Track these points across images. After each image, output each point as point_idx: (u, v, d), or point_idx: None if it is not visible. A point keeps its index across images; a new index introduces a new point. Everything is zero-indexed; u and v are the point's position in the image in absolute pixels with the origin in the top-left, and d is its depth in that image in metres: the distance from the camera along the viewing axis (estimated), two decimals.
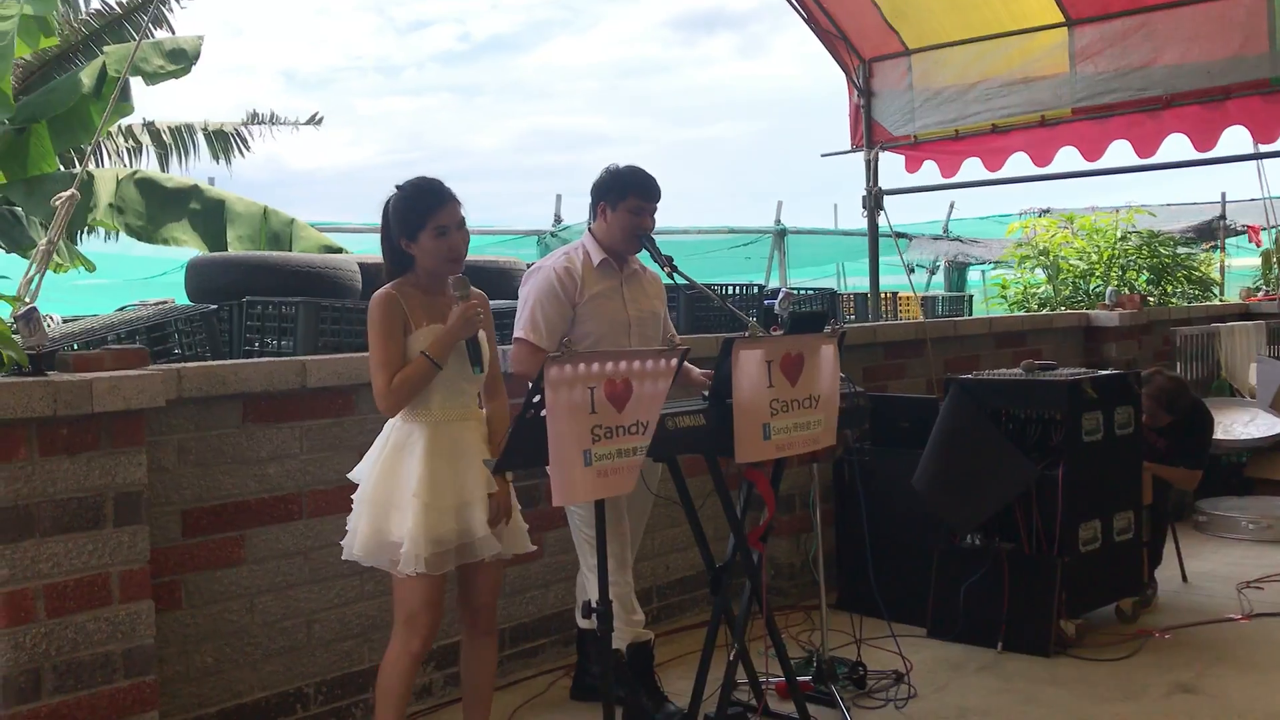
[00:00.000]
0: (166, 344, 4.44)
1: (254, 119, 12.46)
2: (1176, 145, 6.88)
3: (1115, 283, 10.75)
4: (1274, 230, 13.53)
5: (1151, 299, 10.53)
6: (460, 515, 3.25)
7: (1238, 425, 7.42)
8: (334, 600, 4.07)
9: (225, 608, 3.80)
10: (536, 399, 2.99)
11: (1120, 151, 7.05)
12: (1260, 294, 11.11)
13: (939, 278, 16.59)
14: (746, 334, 3.67)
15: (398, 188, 3.41)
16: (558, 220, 12.51)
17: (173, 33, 11.39)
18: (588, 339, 4.08)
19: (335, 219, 10.95)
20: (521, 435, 3.03)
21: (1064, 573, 4.77)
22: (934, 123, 7.56)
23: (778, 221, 14.63)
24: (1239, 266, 15.60)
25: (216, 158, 12.17)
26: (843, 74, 7.88)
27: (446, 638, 4.22)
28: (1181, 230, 13.69)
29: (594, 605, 3.31)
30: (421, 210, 3.32)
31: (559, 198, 12.64)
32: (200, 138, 12.09)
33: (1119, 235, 11.37)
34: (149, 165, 11.59)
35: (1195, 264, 12.39)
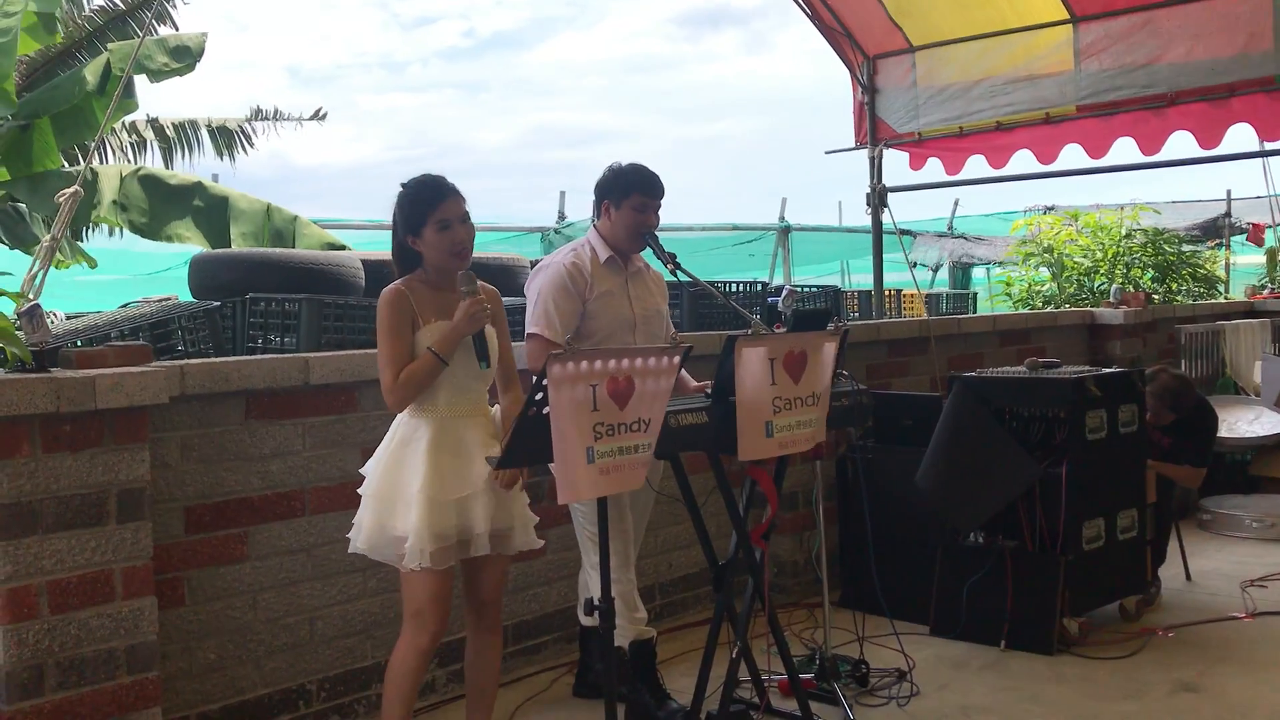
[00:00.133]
0: (170, 341, 4.44)
1: (258, 115, 12.45)
2: (1181, 143, 6.88)
3: (1120, 280, 10.73)
4: (1279, 228, 13.50)
5: (1156, 297, 10.51)
6: (462, 510, 3.26)
7: (1242, 423, 7.40)
8: (336, 597, 4.07)
9: (228, 604, 3.80)
10: (539, 396, 2.99)
11: (1125, 149, 7.05)
12: (1265, 292, 11.09)
13: (943, 275, 16.57)
14: (749, 332, 3.66)
15: (403, 185, 3.42)
16: (561, 217, 12.52)
17: (177, 30, 11.37)
18: (594, 336, 4.08)
19: (339, 216, 10.96)
20: (523, 433, 3.03)
21: (1067, 571, 4.77)
22: (938, 120, 7.56)
23: (782, 219, 14.62)
24: (1244, 264, 15.57)
25: (220, 154, 12.16)
26: (847, 71, 7.87)
27: (450, 634, 4.21)
28: (1186, 228, 13.67)
29: (596, 603, 3.31)
30: (424, 205, 3.34)
31: (563, 194, 12.65)
32: (204, 134, 12.08)
33: (1123, 233, 11.36)
34: (153, 162, 11.58)
35: (1200, 262, 12.38)
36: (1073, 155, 7.23)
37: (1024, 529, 4.86)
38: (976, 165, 7.65)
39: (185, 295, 5.53)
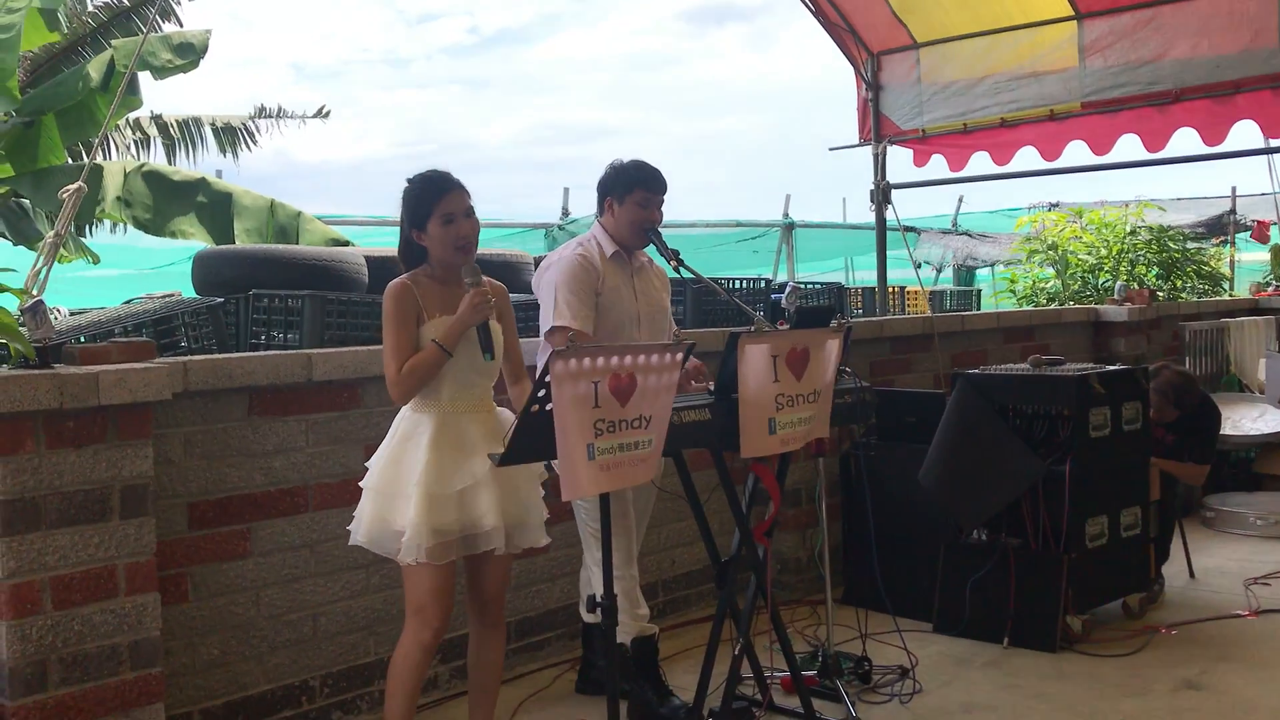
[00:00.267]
0: (173, 337, 4.45)
1: (261, 113, 12.47)
2: (1186, 139, 6.86)
3: (1124, 277, 10.73)
4: None
5: (1160, 294, 10.50)
6: (464, 506, 3.26)
7: (1246, 421, 7.39)
8: (339, 593, 4.08)
9: (231, 600, 3.81)
10: (541, 393, 2.99)
11: (1129, 145, 7.03)
12: (1270, 289, 11.08)
13: (947, 273, 16.56)
14: (753, 329, 3.66)
15: (408, 180, 3.43)
16: (565, 213, 12.53)
17: (181, 27, 11.39)
18: (600, 331, 4.08)
19: (343, 212, 10.97)
20: (526, 429, 3.03)
21: (1070, 568, 4.76)
22: (942, 116, 7.54)
23: (786, 215, 14.62)
24: (1249, 261, 15.55)
25: (224, 151, 12.18)
26: (851, 67, 7.86)
27: (452, 630, 4.21)
28: (1191, 225, 13.65)
29: (599, 599, 3.32)
30: (428, 199, 3.35)
31: (566, 191, 12.68)
32: (208, 131, 12.09)
33: (1128, 230, 11.35)
34: (156, 159, 11.58)
35: (1205, 259, 12.36)
36: (1077, 152, 7.22)
37: (1027, 526, 4.86)
38: (980, 162, 7.63)
39: (189, 291, 5.54)
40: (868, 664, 4.41)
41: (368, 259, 5.45)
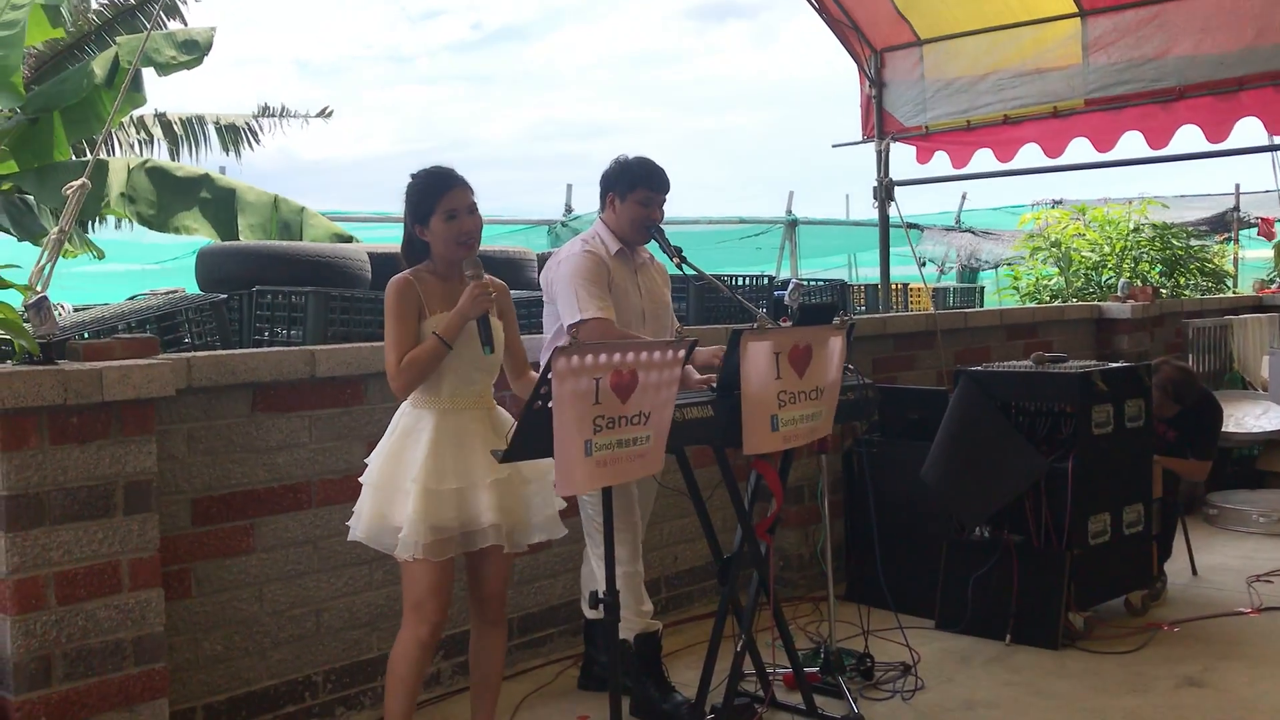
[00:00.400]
0: (176, 333, 4.45)
1: (265, 112, 12.49)
2: (1189, 136, 6.85)
3: (1127, 274, 10.71)
4: None
5: (1164, 291, 10.49)
6: (462, 503, 3.26)
7: (1249, 418, 7.39)
8: (342, 589, 4.09)
9: (234, 596, 3.82)
10: (544, 389, 2.99)
11: (1132, 142, 7.03)
12: (1274, 286, 11.07)
13: (951, 275, 16.55)
14: (755, 326, 3.67)
15: (412, 176, 3.44)
16: (568, 210, 12.53)
17: (185, 24, 11.40)
18: None
19: (347, 208, 10.97)
20: (529, 425, 3.03)
21: (1073, 565, 4.76)
22: (945, 113, 7.54)
23: (789, 212, 14.61)
24: (1253, 258, 15.53)
25: (226, 150, 12.21)
26: (854, 64, 7.85)
27: (456, 627, 4.23)
28: (1195, 222, 13.63)
29: (601, 596, 3.32)
30: (431, 195, 3.35)
31: (570, 187, 12.67)
32: (211, 130, 12.12)
33: (1131, 227, 11.33)
34: (160, 157, 11.60)
35: (1208, 256, 12.34)
36: (1080, 149, 7.22)
37: (1030, 523, 4.86)
38: (984, 159, 7.63)
39: (192, 287, 5.55)
40: (870, 660, 4.41)
41: (371, 255, 5.46)
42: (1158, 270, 11.29)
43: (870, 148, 7.84)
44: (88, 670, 3.21)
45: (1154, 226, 11.43)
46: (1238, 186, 15.67)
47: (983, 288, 11.38)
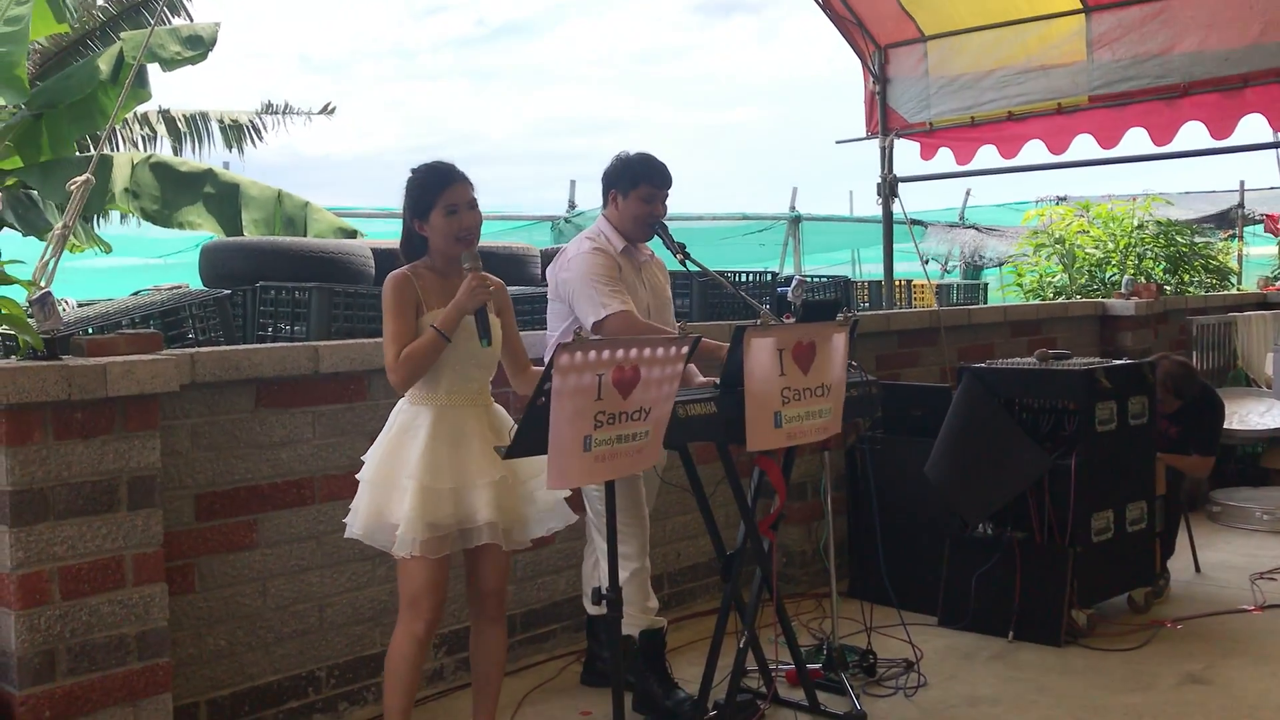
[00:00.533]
0: (180, 329, 4.46)
1: (268, 109, 12.49)
2: (1193, 133, 6.84)
3: (1131, 271, 10.70)
4: None
5: (1168, 288, 10.48)
6: (459, 500, 3.25)
7: (1254, 415, 7.38)
8: (346, 584, 4.09)
9: (238, 591, 3.82)
10: (548, 386, 2.99)
11: (1136, 139, 7.01)
12: (1278, 283, 11.05)
13: (955, 274, 16.54)
14: (758, 322, 3.67)
15: (412, 171, 3.44)
16: (572, 206, 12.52)
17: (190, 19, 11.41)
18: None
19: (350, 204, 10.98)
20: (533, 421, 3.04)
21: (1076, 563, 4.76)
22: (949, 110, 7.52)
23: (792, 208, 14.60)
24: (1257, 255, 15.52)
25: (230, 147, 12.22)
26: (858, 60, 7.84)
27: (458, 623, 4.24)
28: (1199, 219, 13.60)
29: (604, 592, 3.32)
30: (431, 190, 3.35)
31: (573, 183, 12.65)
32: (214, 126, 12.13)
33: (1135, 223, 11.32)
34: (163, 152, 11.61)
35: (1212, 253, 12.32)
36: (1084, 146, 7.20)
37: (1033, 520, 4.86)
38: (988, 155, 7.61)
39: (196, 283, 5.56)
40: (872, 657, 4.42)
41: (374, 251, 5.47)
42: (1162, 267, 11.28)
43: (874, 144, 7.83)
44: (91, 665, 3.22)
45: (1158, 223, 11.42)
46: (1242, 183, 15.66)
47: (986, 284, 11.37)
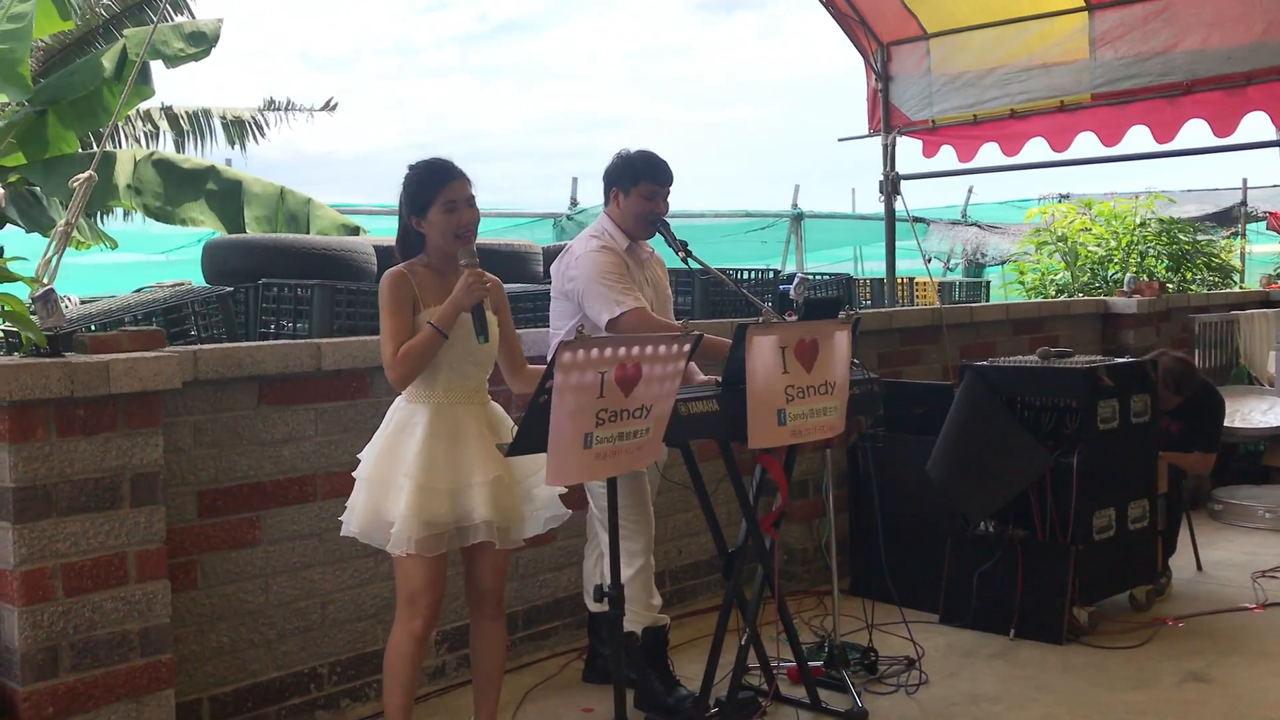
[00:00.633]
0: (183, 326, 4.46)
1: (270, 105, 12.50)
2: (1196, 131, 6.84)
3: (1134, 269, 10.69)
4: None
5: (1170, 286, 10.47)
6: (457, 498, 3.25)
7: (1256, 413, 7.38)
8: (348, 581, 4.10)
9: (240, 588, 3.83)
10: (550, 383, 3.00)
11: (1139, 137, 7.01)
12: None
13: (956, 267, 16.53)
14: (760, 320, 3.67)
15: (409, 168, 3.43)
16: (574, 203, 12.51)
17: (192, 16, 11.42)
18: None
19: (353, 200, 10.96)
20: (535, 418, 3.04)
21: (1077, 560, 4.76)
22: (952, 107, 7.52)
23: (794, 205, 14.58)
24: (1260, 253, 15.50)
25: (232, 144, 12.23)
26: (860, 58, 7.84)
27: (460, 619, 4.24)
28: (1201, 217, 13.59)
29: (606, 589, 3.33)
30: (431, 186, 3.34)
31: (575, 180, 12.63)
32: (217, 123, 12.14)
33: (1138, 221, 11.30)
34: (166, 150, 11.62)
35: (1215, 251, 12.31)
36: (1086, 143, 7.20)
37: (1035, 518, 4.86)
38: (990, 153, 7.61)
39: (198, 278, 5.56)
40: (874, 655, 4.42)
41: (377, 248, 5.46)
42: (1164, 265, 11.26)
43: (876, 141, 7.83)
44: (94, 661, 3.23)
45: (1160, 221, 11.40)
46: (1245, 181, 15.63)
47: (989, 282, 11.35)
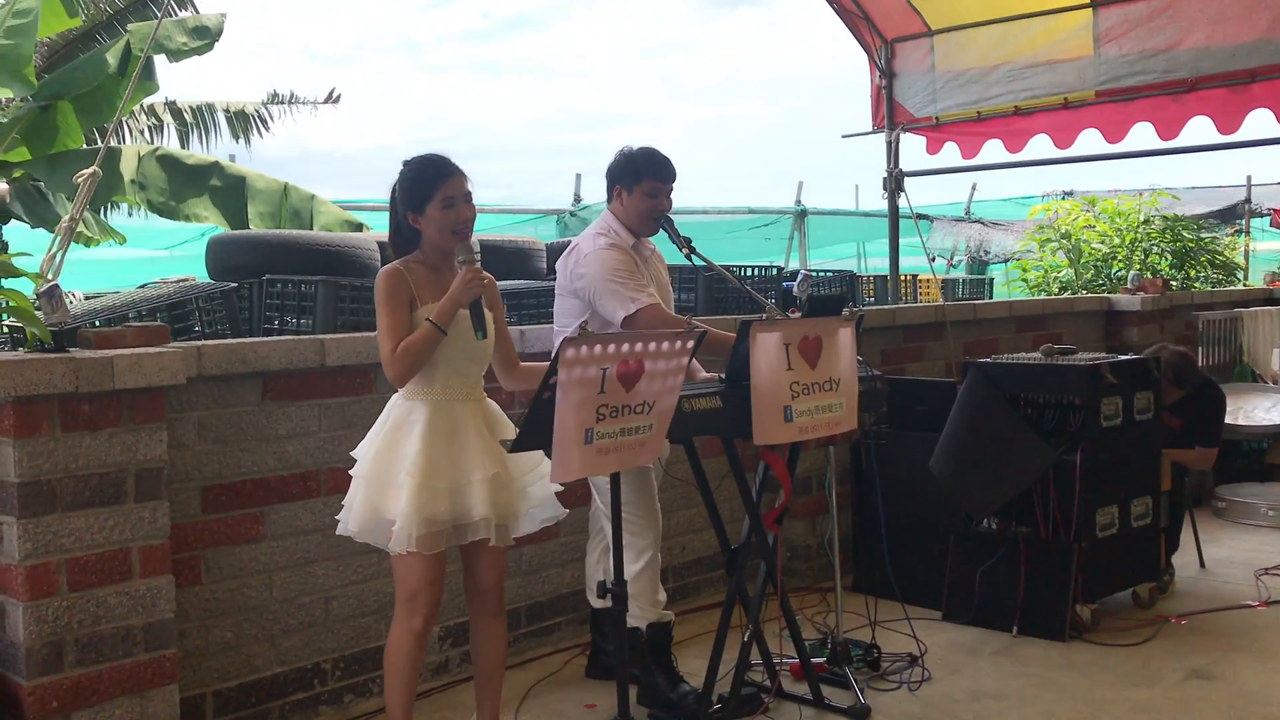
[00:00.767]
0: (187, 322, 4.47)
1: (274, 99, 12.50)
2: (1200, 128, 6.83)
3: (1137, 266, 10.68)
4: None
5: (1174, 283, 10.46)
6: (456, 496, 3.24)
7: (1259, 411, 7.37)
8: (351, 577, 4.11)
9: (244, 583, 3.84)
10: (553, 380, 3.00)
11: (1143, 134, 7.00)
12: None
13: (961, 269, 16.52)
14: (764, 317, 3.67)
15: (405, 163, 3.41)
16: (577, 199, 12.51)
17: (196, 11, 11.42)
18: None
19: (356, 196, 10.98)
20: (537, 414, 3.04)
21: (1080, 558, 4.76)
22: (956, 104, 7.52)
23: (798, 202, 14.58)
24: (1264, 250, 15.49)
25: (236, 137, 12.24)
26: (865, 54, 7.84)
27: (463, 615, 4.25)
28: (1205, 214, 13.57)
29: (609, 585, 3.33)
30: (429, 182, 3.33)
31: (579, 177, 12.63)
32: (221, 117, 12.14)
33: (1142, 218, 11.30)
34: (170, 145, 11.63)
35: (1219, 248, 12.29)
36: (1090, 140, 7.21)
37: (1038, 515, 4.86)
38: (994, 150, 7.62)
39: (202, 274, 5.56)
40: (877, 651, 4.42)
41: (380, 244, 5.46)
42: (1168, 262, 11.26)
43: (880, 138, 7.83)
44: (99, 656, 3.23)
45: (1164, 218, 11.39)
46: (1249, 178, 15.61)
47: (992, 279, 11.35)
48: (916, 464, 5.07)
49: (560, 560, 4.77)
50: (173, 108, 11.93)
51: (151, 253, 11.31)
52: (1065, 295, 10.25)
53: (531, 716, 4.08)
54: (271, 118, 12.49)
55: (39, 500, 3.13)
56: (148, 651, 3.33)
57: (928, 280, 9.01)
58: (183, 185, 8.95)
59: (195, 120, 11.98)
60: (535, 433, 3.07)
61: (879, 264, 12.86)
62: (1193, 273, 11.40)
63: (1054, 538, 4.83)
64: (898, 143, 7.76)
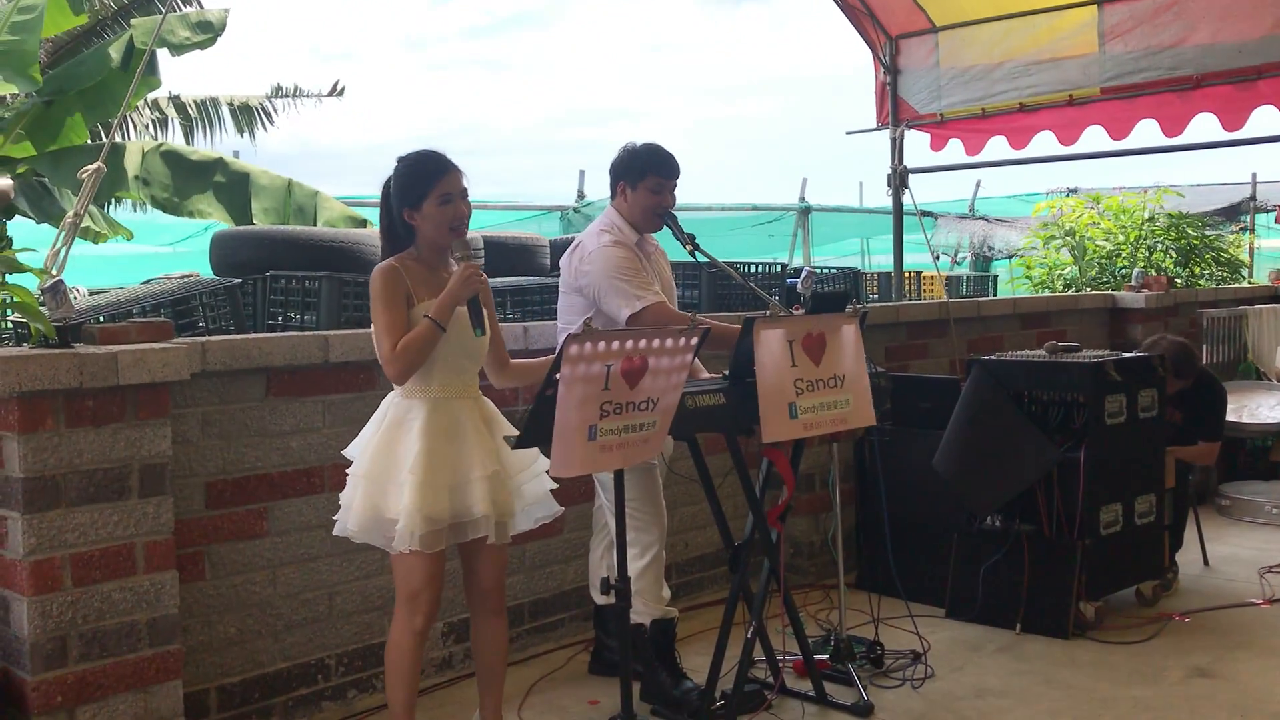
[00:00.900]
0: (191, 317, 4.47)
1: (278, 92, 12.49)
2: (1205, 125, 6.82)
3: (1142, 264, 10.66)
4: None
5: (1178, 280, 10.44)
6: (456, 494, 3.24)
7: (1264, 409, 7.36)
8: (355, 573, 4.11)
9: (248, 579, 3.84)
10: (557, 376, 3.00)
11: (1148, 131, 6.99)
12: None
13: (963, 260, 16.50)
14: (768, 313, 3.67)
15: (400, 159, 3.39)
16: (581, 196, 12.51)
17: (200, 6, 11.42)
18: None
19: (360, 193, 10.95)
20: (541, 412, 3.04)
21: (1084, 555, 4.76)
22: (960, 101, 7.51)
23: (802, 199, 14.57)
24: (1269, 248, 15.46)
25: (241, 132, 12.22)
26: (869, 51, 7.82)
27: (465, 611, 4.25)
28: (1210, 212, 13.54)
29: (613, 582, 3.34)
30: (426, 179, 3.31)
31: (582, 173, 12.63)
32: (225, 111, 12.14)
33: (1146, 216, 11.27)
34: (174, 139, 11.63)
35: (1223, 246, 12.26)
36: (1095, 137, 7.19)
37: (1041, 513, 4.86)
38: (998, 147, 7.60)
39: (206, 270, 5.57)
40: (880, 648, 4.42)
41: None
42: (1172, 260, 11.23)
43: (884, 135, 7.81)
44: (103, 651, 3.24)
45: (1169, 216, 11.36)
46: (1254, 176, 15.58)
47: (996, 276, 11.34)
48: (920, 461, 5.07)
49: (564, 556, 4.78)
50: (177, 102, 11.93)
51: (155, 248, 11.32)
52: (1069, 293, 10.23)
53: (534, 712, 4.09)
54: (276, 111, 12.48)
55: (43, 495, 3.13)
56: (152, 647, 3.33)
57: (932, 277, 9.00)
58: (186, 181, 8.95)
59: (200, 114, 11.98)
60: (539, 429, 3.07)
61: (883, 261, 12.84)
62: (1197, 270, 11.36)
63: (1058, 535, 4.83)
64: (902, 139, 7.75)
